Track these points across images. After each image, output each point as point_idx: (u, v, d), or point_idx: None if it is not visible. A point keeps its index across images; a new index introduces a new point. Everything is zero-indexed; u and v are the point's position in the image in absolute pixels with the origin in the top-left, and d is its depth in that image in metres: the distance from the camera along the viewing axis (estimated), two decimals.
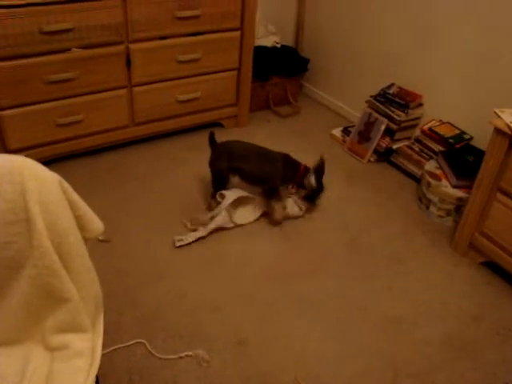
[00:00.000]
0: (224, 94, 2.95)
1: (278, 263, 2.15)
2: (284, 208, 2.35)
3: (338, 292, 2.03)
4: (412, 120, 2.82)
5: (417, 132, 2.84)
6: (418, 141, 2.76)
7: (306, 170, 2.32)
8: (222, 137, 2.38)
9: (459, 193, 2.37)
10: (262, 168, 2.28)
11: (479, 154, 2.37)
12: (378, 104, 2.85)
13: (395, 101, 2.79)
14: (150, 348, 1.72)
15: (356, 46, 3.16)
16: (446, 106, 2.70)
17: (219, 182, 2.32)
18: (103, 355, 1.23)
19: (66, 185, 1.11)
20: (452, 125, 2.67)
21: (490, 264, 2.17)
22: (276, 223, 2.34)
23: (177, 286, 1.99)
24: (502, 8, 2.29)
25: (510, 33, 2.29)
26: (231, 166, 2.28)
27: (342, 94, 3.37)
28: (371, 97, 2.91)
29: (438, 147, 2.63)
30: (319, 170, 2.32)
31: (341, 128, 3.12)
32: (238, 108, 3.06)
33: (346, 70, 3.29)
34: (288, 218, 2.37)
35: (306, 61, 3.46)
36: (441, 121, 2.71)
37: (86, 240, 1.18)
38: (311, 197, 2.37)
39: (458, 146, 2.56)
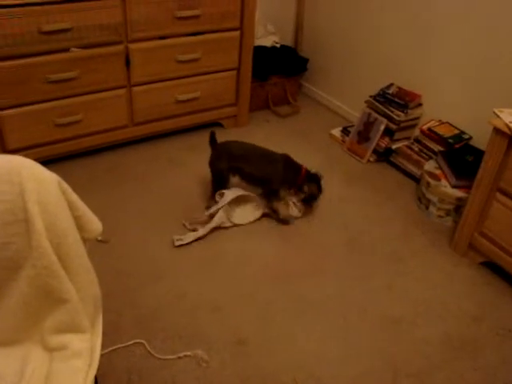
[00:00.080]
0: (223, 93, 2.95)
1: (278, 263, 2.14)
2: (287, 205, 2.35)
3: (338, 292, 2.02)
4: (411, 120, 2.82)
5: (416, 132, 2.84)
6: (417, 141, 2.76)
7: (308, 174, 2.31)
8: (221, 136, 2.37)
9: (459, 193, 2.37)
10: (262, 169, 2.28)
11: (478, 154, 2.37)
12: (377, 104, 2.85)
13: (394, 101, 2.78)
14: (149, 348, 1.72)
15: (355, 45, 3.16)
16: (446, 106, 2.70)
17: (219, 182, 2.32)
18: (102, 355, 1.23)
19: (65, 185, 1.11)
20: (451, 125, 2.67)
21: (489, 264, 2.17)
22: (284, 222, 2.34)
23: (176, 286, 1.99)
24: (501, 8, 2.29)
25: (510, 33, 2.29)
26: (231, 166, 2.28)
27: (342, 94, 3.37)
28: (370, 97, 2.91)
29: (437, 147, 2.63)
30: (318, 180, 2.33)
31: (340, 128, 3.12)
32: (237, 108, 3.06)
33: (345, 69, 3.29)
34: (291, 217, 2.38)
35: (306, 60, 3.46)
36: (440, 121, 2.71)
37: (84, 240, 1.18)
38: (309, 200, 2.37)
39: (457, 145, 2.56)
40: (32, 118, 2.40)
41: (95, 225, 1.19)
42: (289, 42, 3.60)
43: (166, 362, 1.68)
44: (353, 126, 3.03)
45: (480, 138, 2.50)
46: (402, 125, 2.79)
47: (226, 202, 2.22)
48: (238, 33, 2.79)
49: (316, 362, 1.73)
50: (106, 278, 1.97)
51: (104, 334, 1.22)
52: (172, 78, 2.71)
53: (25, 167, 1.07)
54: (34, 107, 2.38)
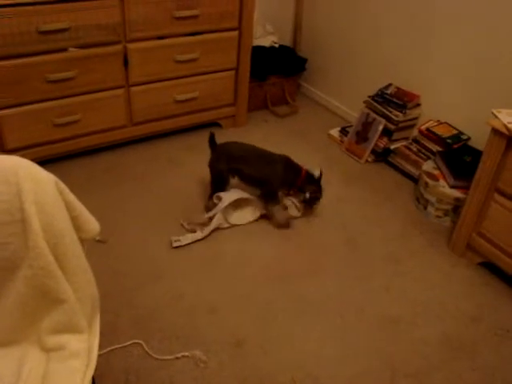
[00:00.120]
0: (222, 93, 2.95)
1: (277, 263, 2.14)
2: (285, 209, 2.35)
3: (337, 292, 2.02)
4: (410, 120, 2.82)
5: (414, 132, 2.84)
6: (415, 141, 2.76)
7: (308, 175, 2.31)
8: (219, 136, 2.37)
9: (457, 193, 2.37)
10: (261, 170, 2.27)
11: (477, 155, 2.37)
12: (375, 104, 2.85)
13: (393, 101, 2.79)
14: (146, 349, 1.72)
15: (354, 45, 3.16)
16: (444, 107, 2.70)
17: (218, 183, 2.31)
18: (100, 356, 1.23)
19: (62, 185, 1.11)
20: (450, 125, 2.67)
21: (487, 264, 2.17)
22: (279, 226, 2.33)
23: (174, 286, 1.98)
24: (500, 9, 2.29)
25: (508, 33, 2.29)
26: (231, 167, 2.28)
27: (340, 94, 3.37)
28: (369, 97, 2.91)
29: (435, 147, 2.63)
30: (319, 182, 2.32)
31: (338, 128, 3.12)
32: (235, 108, 3.06)
33: (343, 69, 3.29)
34: (290, 218, 2.37)
35: (304, 60, 3.46)
36: (438, 121, 2.71)
37: (82, 241, 1.18)
38: (310, 201, 2.37)
39: (455, 146, 2.56)
40: (30, 117, 2.40)
41: (92, 225, 1.18)
42: (287, 42, 3.60)
43: (164, 363, 1.68)
44: (351, 126, 3.03)
45: (478, 139, 2.50)
46: (401, 125, 2.79)
47: (223, 206, 2.21)
48: (236, 33, 2.79)
49: (314, 361, 1.73)
50: (104, 278, 1.97)
51: (101, 334, 1.22)
52: (170, 78, 2.71)
53: (22, 167, 1.06)
54: (32, 107, 2.38)
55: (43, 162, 2.42)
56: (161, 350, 1.72)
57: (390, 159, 2.88)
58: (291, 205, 2.38)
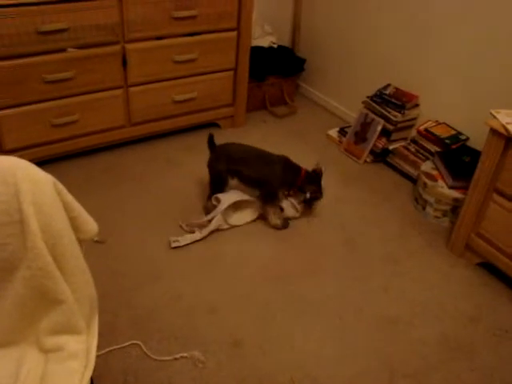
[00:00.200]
0: (220, 94, 2.94)
1: (275, 264, 2.14)
2: (282, 210, 2.34)
3: (336, 292, 2.02)
4: (408, 121, 2.82)
5: (413, 133, 2.84)
6: (414, 141, 2.76)
7: (308, 175, 2.30)
8: (218, 137, 2.37)
9: (455, 193, 2.37)
10: (260, 171, 2.27)
11: (475, 155, 2.38)
12: (374, 104, 2.85)
13: (391, 101, 2.79)
14: (145, 349, 1.71)
15: (352, 46, 3.16)
16: (443, 107, 2.70)
17: (217, 184, 2.31)
18: (98, 357, 1.23)
19: (61, 186, 1.11)
20: (448, 125, 2.67)
21: (486, 265, 2.17)
22: (275, 227, 2.33)
23: (173, 287, 1.98)
24: (499, 9, 2.30)
25: (506, 33, 2.30)
26: (230, 168, 2.28)
27: (339, 95, 3.37)
28: (367, 97, 2.91)
29: (434, 148, 2.63)
30: (319, 179, 2.32)
31: (337, 128, 3.12)
32: (234, 108, 3.06)
33: (342, 70, 3.29)
34: (289, 219, 2.37)
35: (303, 61, 3.46)
36: (437, 121, 2.72)
37: (80, 241, 1.17)
38: (309, 202, 2.36)
39: (454, 146, 2.56)
40: (28, 118, 2.39)
41: (91, 225, 1.18)
42: (286, 42, 3.60)
43: (162, 363, 1.68)
44: (350, 126, 3.03)
45: (477, 139, 2.51)
46: (399, 125, 2.79)
47: (222, 208, 2.21)
48: (235, 33, 2.79)
49: (313, 361, 1.73)
50: (102, 279, 1.97)
51: (100, 335, 1.22)
52: (169, 78, 2.71)
53: (20, 168, 1.06)
54: (30, 107, 2.37)
55: (41, 163, 2.42)
56: (159, 350, 1.72)
57: (388, 160, 2.88)
58: (289, 206, 2.38)
